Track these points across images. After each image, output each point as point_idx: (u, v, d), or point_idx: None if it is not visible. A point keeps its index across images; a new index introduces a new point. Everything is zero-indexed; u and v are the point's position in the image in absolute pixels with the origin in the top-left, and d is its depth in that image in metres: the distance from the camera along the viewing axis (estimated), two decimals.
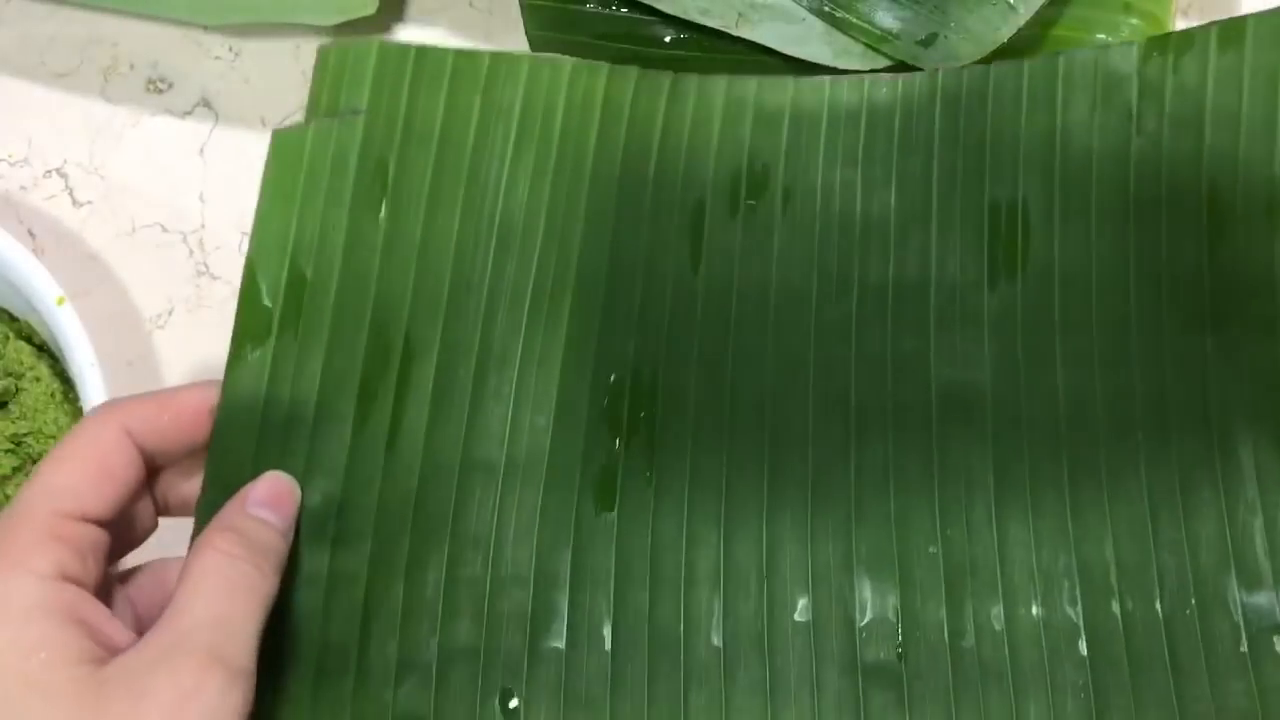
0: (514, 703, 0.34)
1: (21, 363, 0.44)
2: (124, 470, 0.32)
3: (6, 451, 0.43)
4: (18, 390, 0.43)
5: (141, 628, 0.31)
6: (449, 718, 0.34)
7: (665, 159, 0.38)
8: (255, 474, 0.34)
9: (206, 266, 0.47)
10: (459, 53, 0.38)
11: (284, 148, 0.37)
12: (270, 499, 0.33)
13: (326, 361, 0.36)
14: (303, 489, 0.35)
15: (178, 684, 0.28)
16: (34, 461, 0.43)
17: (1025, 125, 0.38)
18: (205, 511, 0.34)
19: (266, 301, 0.36)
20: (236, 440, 0.35)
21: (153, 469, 0.34)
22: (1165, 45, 0.38)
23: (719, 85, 0.39)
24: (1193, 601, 0.34)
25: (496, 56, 0.38)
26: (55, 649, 0.29)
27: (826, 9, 0.42)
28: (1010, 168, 0.38)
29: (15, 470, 0.43)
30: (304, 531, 0.35)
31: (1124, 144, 0.37)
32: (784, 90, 0.39)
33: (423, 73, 0.38)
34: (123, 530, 0.33)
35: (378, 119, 0.37)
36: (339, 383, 0.36)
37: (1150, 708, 0.33)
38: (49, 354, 0.44)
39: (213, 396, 0.35)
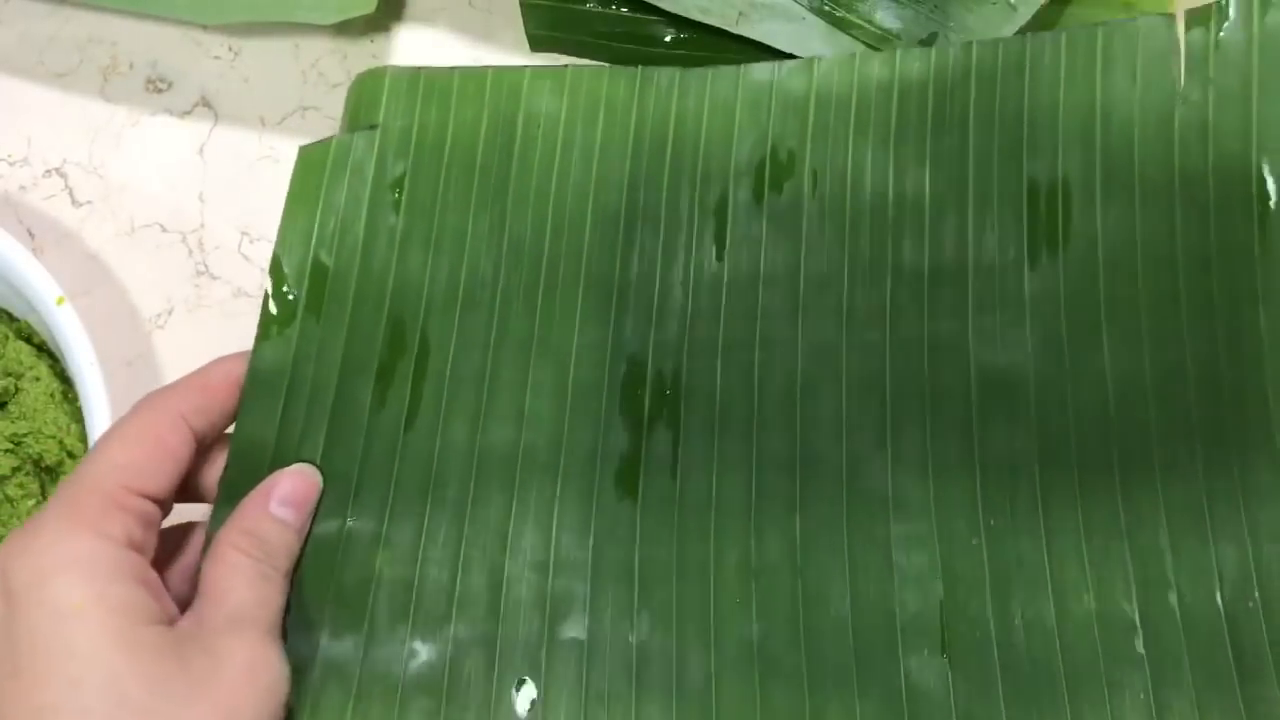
0: (531, 691, 0.33)
1: (21, 363, 0.43)
2: (180, 449, 0.34)
3: (6, 451, 0.43)
4: (17, 390, 0.43)
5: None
6: (460, 703, 0.33)
7: (681, 151, 0.38)
8: (278, 454, 0.35)
9: (206, 266, 0.47)
10: (462, 71, 0.40)
11: (308, 160, 0.39)
12: (292, 497, 0.35)
13: (347, 345, 0.37)
14: (322, 466, 0.36)
15: (250, 649, 0.31)
16: (34, 461, 0.43)
17: (1064, 99, 0.36)
18: (227, 490, 0.35)
19: (291, 286, 0.37)
20: (260, 418, 0.36)
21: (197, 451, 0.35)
22: (1206, 16, 0.36)
23: (732, 74, 0.39)
24: (1256, 594, 0.32)
25: (499, 71, 0.40)
26: (136, 609, 0.31)
27: (827, 8, 0.42)
28: (1049, 143, 0.36)
29: (15, 470, 0.43)
30: (321, 508, 0.35)
31: (1167, 116, 0.36)
32: (809, 70, 0.38)
33: (432, 91, 0.39)
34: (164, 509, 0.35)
35: (391, 133, 0.39)
36: (359, 366, 0.37)
37: (1213, 710, 0.31)
38: (49, 354, 0.44)
39: (239, 368, 0.36)
